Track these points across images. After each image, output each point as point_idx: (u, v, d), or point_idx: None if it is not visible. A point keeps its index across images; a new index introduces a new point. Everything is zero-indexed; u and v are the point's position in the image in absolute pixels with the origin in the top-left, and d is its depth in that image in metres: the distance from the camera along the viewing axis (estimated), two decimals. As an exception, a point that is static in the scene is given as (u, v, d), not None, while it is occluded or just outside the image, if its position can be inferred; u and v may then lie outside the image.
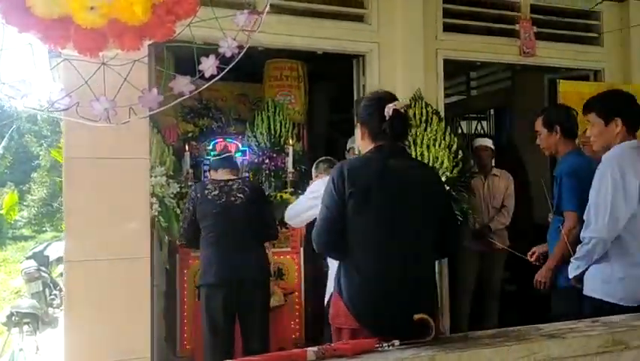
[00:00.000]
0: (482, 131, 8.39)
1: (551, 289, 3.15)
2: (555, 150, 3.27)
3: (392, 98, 2.15)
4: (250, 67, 6.79)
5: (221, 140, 5.50)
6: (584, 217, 2.59)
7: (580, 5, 5.37)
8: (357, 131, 2.24)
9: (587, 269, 2.61)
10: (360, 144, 2.24)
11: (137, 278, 2.53)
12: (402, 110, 2.08)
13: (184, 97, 1.67)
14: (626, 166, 2.46)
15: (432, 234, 2.01)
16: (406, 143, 2.29)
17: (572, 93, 5.10)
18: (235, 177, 3.63)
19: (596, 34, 5.49)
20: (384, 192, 1.96)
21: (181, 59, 3.47)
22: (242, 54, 1.48)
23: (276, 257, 4.29)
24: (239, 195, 3.50)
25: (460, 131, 8.25)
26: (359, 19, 4.64)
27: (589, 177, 2.59)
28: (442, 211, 2.04)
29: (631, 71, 5.41)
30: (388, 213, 1.95)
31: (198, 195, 3.49)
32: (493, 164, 5.23)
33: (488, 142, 5.20)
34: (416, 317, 1.85)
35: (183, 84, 1.62)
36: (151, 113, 1.78)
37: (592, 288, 2.57)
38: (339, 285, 1.99)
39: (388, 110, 2.05)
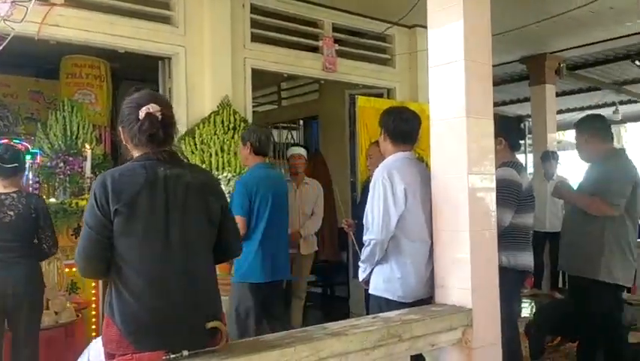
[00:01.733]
0: (292, 140, 8.71)
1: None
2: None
3: (151, 99, 1.89)
4: (46, 62, 6.23)
5: (6, 140, 4.90)
6: (364, 222, 2.85)
7: (375, 28, 5.88)
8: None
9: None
10: (125, 151, 1.99)
11: None
12: (157, 115, 1.86)
13: None
14: (394, 173, 2.76)
15: (210, 239, 1.95)
16: (175, 147, 2.07)
17: (369, 108, 5.56)
18: (10, 191, 3.25)
19: (389, 56, 6.06)
20: (153, 203, 1.78)
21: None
22: (2, 45, 1.32)
23: (68, 270, 3.96)
24: (9, 212, 3.17)
25: (271, 139, 8.46)
26: (165, 20, 4.52)
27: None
28: (220, 215, 1.97)
29: (418, 90, 6.07)
30: (160, 224, 1.79)
31: None
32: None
33: (302, 151, 5.28)
34: (209, 325, 1.83)
35: None
36: None
37: (375, 287, 2.82)
38: (111, 308, 1.78)
39: (142, 113, 1.85)
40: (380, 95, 6.09)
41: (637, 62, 5.85)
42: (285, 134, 8.80)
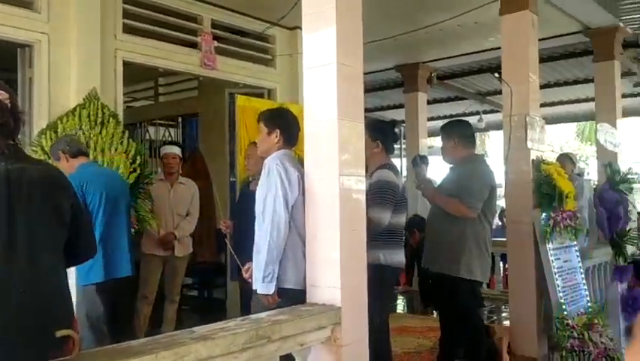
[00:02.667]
0: (170, 138, 8.41)
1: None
2: None
3: None
4: None
5: None
6: (255, 212, 2.84)
7: (256, 28, 5.85)
8: None
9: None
10: None
11: None
12: (6, 102, 1.69)
13: None
14: (287, 161, 2.82)
15: (59, 239, 1.79)
16: (17, 141, 1.83)
17: (249, 108, 5.51)
18: None
19: (270, 57, 6.06)
20: None
21: None
22: None
23: None
24: None
25: (147, 137, 8.11)
26: (27, 5, 4.15)
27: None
28: (71, 214, 1.82)
29: (299, 92, 6.12)
30: (2, 222, 1.66)
31: None
32: (180, 171, 5.22)
33: (176, 150, 5.12)
34: (58, 333, 1.69)
35: None
36: None
37: (284, 279, 2.77)
38: None
39: None
40: (261, 95, 6.06)
41: (496, 75, 6.35)
42: (162, 131, 8.47)
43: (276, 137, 2.98)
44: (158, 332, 3.49)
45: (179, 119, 8.40)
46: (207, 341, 2.02)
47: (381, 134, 3.39)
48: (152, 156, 7.22)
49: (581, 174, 5.03)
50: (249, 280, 3.08)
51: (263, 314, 2.49)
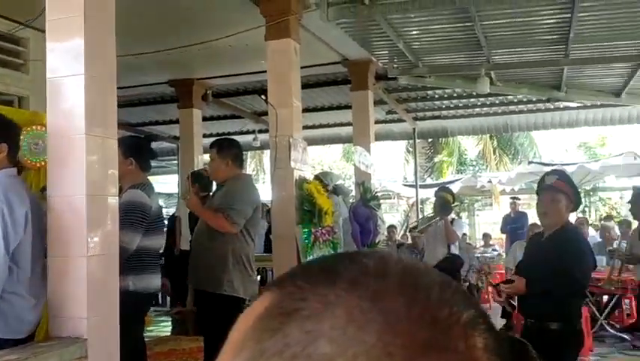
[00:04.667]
0: None
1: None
2: None
3: None
4: None
5: None
6: None
7: (3, 27, 5.20)
8: None
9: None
10: None
11: None
12: None
13: None
14: (12, 195, 2.41)
15: None
16: None
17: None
18: None
19: (22, 61, 5.42)
20: None
21: None
22: None
23: None
24: None
25: None
26: None
27: None
28: None
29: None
30: None
31: None
32: None
33: None
34: None
35: None
36: None
37: None
38: None
39: None
40: (9, 103, 5.38)
41: (263, 97, 6.63)
42: None
43: (1, 152, 2.44)
44: None
45: None
46: None
47: (135, 151, 3.22)
48: None
49: (337, 192, 5.47)
50: None
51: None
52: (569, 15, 5.14)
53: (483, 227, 16.96)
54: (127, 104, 8.70)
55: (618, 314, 7.12)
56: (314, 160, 24.04)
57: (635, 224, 6.85)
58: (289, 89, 4.71)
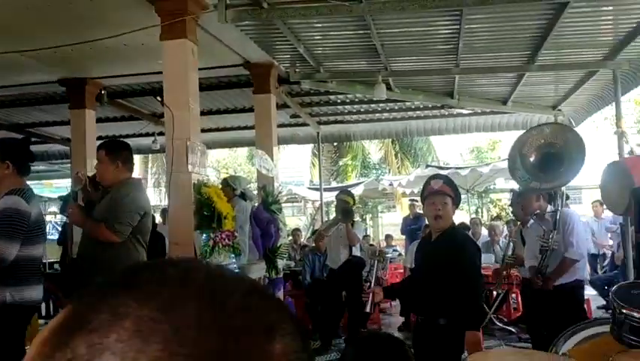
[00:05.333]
0: None
1: None
2: None
3: None
4: None
5: None
6: None
7: None
8: None
9: None
10: None
11: None
12: None
13: None
14: None
15: None
16: None
17: None
18: None
19: None
20: None
21: None
22: None
23: None
24: None
25: None
26: None
27: None
28: None
29: None
30: None
31: None
32: None
33: None
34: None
35: None
36: None
37: None
38: None
39: None
40: None
41: (158, 99, 6.41)
42: None
43: None
44: None
45: None
46: None
47: (11, 153, 3.00)
48: None
49: (244, 197, 5.40)
50: None
51: None
52: (457, 26, 5.43)
53: (386, 228, 17.53)
54: (10, 104, 8.11)
55: (505, 308, 7.60)
56: (219, 163, 23.65)
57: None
58: (186, 90, 4.58)
